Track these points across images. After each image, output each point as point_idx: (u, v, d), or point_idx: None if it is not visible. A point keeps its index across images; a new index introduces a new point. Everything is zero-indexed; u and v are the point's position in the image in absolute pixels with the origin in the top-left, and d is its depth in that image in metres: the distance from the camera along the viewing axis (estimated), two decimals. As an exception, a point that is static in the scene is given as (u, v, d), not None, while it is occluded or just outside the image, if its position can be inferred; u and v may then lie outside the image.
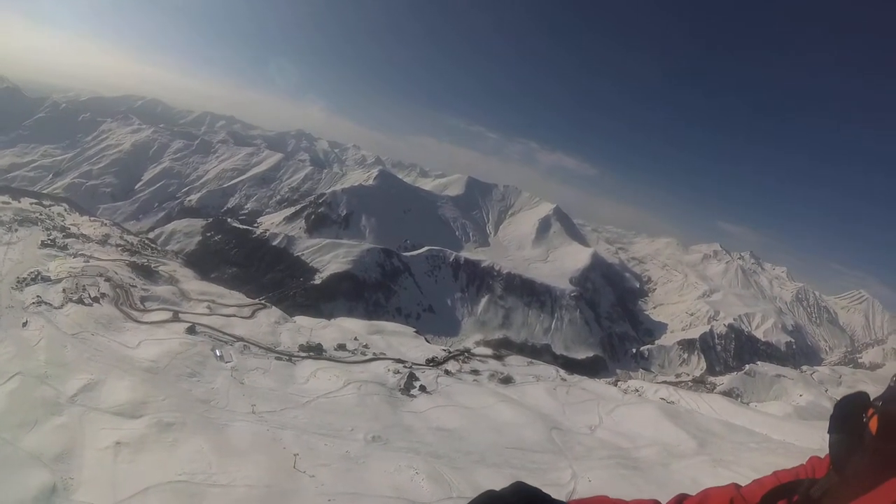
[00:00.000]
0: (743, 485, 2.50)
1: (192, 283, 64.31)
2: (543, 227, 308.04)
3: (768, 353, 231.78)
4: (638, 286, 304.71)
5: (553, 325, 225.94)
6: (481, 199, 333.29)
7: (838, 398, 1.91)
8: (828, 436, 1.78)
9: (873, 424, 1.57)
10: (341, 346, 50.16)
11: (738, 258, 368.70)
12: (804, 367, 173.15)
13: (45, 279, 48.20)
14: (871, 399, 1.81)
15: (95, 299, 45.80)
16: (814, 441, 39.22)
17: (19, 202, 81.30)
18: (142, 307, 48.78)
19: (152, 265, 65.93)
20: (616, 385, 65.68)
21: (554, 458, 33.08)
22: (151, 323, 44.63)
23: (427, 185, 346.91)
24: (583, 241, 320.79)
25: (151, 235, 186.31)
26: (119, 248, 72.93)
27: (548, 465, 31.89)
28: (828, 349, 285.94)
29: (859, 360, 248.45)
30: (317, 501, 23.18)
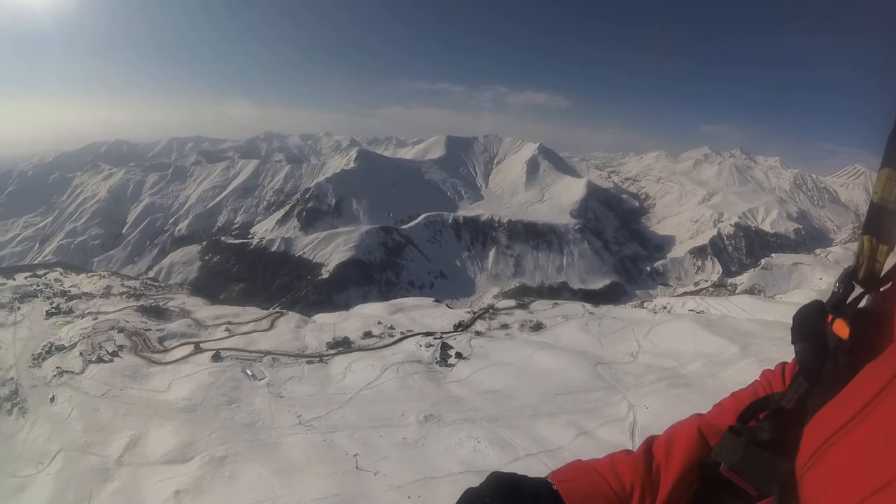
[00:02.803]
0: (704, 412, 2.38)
1: (203, 310, 63.68)
2: (532, 167, 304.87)
3: (779, 243, 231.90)
4: (637, 205, 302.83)
5: (564, 262, 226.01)
6: (464, 155, 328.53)
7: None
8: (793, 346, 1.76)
9: (839, 328, 1.62)
10: (367, 334, 49.72)
11: (730, 157, 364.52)
12: (818, 251, 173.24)
13: (60, 348, 47.48)
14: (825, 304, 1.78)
15: (114, 353, 45.17)
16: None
17: (14, 279, 79.59)
18: (161, 348, 48.23)
19: (160, 303, 65.18)
20: (643, 307, 65.44)
21: (606, 393, 32.79)
22: (175, 361, 44.10)
23: (407, 154, 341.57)
24: (574, 172, 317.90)
25: (151, 274, 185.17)
26: (123, 296, 72.01)
27: (602, 402, 31.60)
28: (835, 228, 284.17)
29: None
30: (390, 497, 22.84)
